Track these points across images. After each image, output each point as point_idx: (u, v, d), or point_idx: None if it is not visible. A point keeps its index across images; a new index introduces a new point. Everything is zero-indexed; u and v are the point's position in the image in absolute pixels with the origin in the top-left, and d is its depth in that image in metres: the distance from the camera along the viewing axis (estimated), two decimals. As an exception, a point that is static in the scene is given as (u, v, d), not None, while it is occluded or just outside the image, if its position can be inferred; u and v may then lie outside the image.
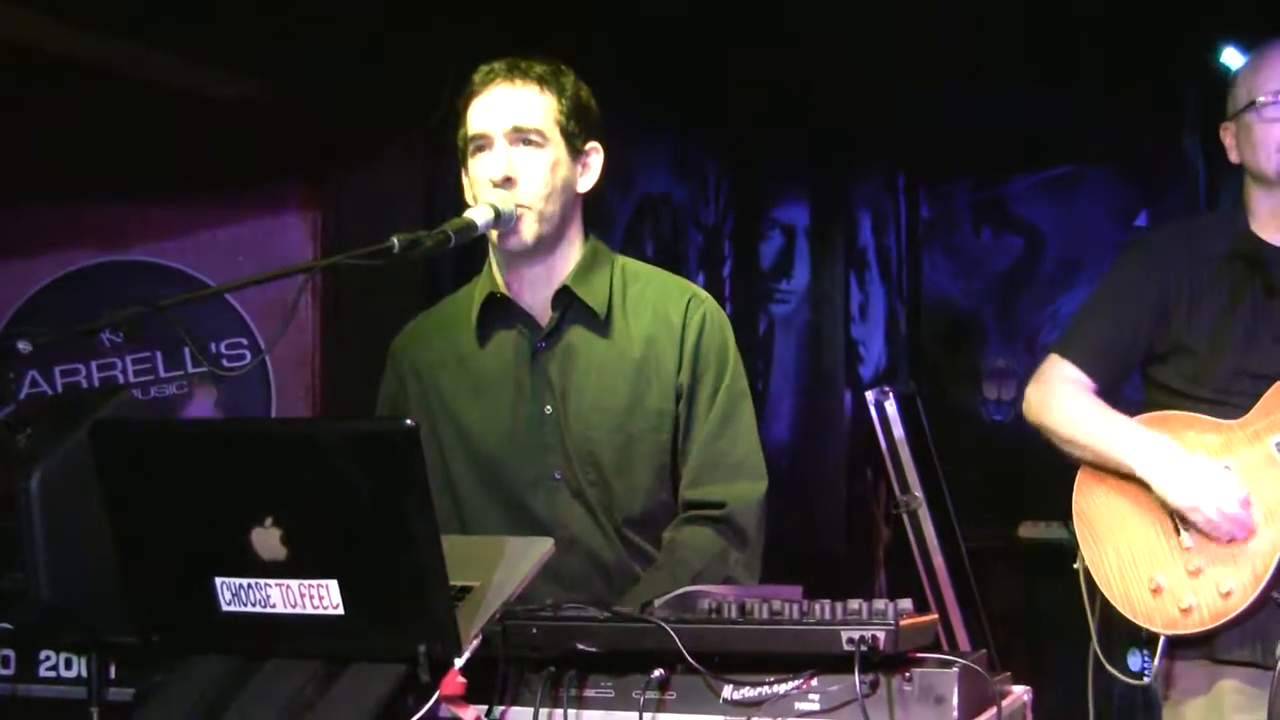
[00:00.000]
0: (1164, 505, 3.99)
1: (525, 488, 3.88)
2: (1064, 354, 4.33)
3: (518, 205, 3.73)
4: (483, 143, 3.80)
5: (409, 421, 2.89)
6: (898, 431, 6.69)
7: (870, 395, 6.80)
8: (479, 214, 3.62)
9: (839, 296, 8.64)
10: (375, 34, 5.94)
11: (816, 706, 2.95)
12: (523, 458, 3.89)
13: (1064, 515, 7.26)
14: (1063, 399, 4.28)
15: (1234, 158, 4.21)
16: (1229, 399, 3.94)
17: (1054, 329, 8.55)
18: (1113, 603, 4.03)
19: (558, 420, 3.87)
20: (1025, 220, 8.87)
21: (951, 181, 8.95)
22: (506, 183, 3.73)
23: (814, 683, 2.96)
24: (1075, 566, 4.14)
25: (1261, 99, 4.07)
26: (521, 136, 3.79)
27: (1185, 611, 3.90)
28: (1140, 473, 4.01)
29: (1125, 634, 4.08)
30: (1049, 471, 7.35)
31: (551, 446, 3.88)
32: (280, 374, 6.35)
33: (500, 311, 3.94)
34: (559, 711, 3.06)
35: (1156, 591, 3.96)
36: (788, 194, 8.66)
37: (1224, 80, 7.78)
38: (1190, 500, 3.93)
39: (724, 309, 4.06)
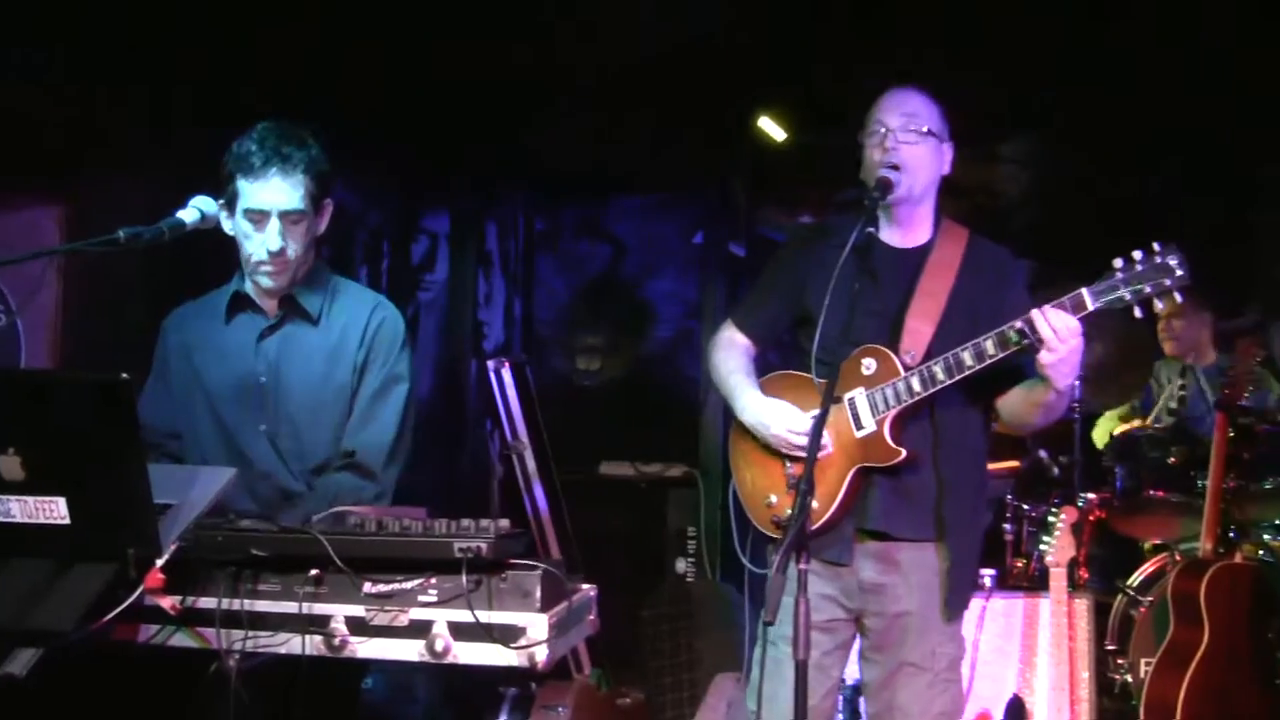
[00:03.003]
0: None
1: (242, 435, 4.05)
2: (732, 318, 4.38)
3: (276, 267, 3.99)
4: (258, 218, 3.96)
5: (124, 375, 2.90)
6: (510, 392, 6.72)
7: (490, 364, 6.82)
8: (188, 215, 3.74)
9: (470, 287, 8.64)
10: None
11: (434, 599, 3.03)
12: (241, 412, 4.07)
13: (632, 457, 7.52)
14: (723, 357, 4.32)
15: (864, 178, 4.14)
16: (834, 360, 3.84)
17: (630, 316, 8.71)
18: (749, 516, 4.11)
19: (268, 387, 4.05)
20: (613, 233, 8.96)
21: (559, 202, 9.01)
22: (280, 252, 3.97)
23: (433, 581, 3.04)
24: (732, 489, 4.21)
25: (870, 128, 4.10)
26: (289, 218, 3.97)
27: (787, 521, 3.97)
28: (738, 415, 4.14)
29: (761, 538, 4.12)
30: (622, 424, 7.56)
31: (261, 405, 4.05)
32: (29, 334, 6.19)
33: (244, 305, 4.15)
34: (237, 601, 3.10)
35: (770, 507, 4.06)
36: (433, 206, 8.66)
37: (756, 135, 8.05)
38: (756, 419, 4.08)
39: (382, 294, 4.30)
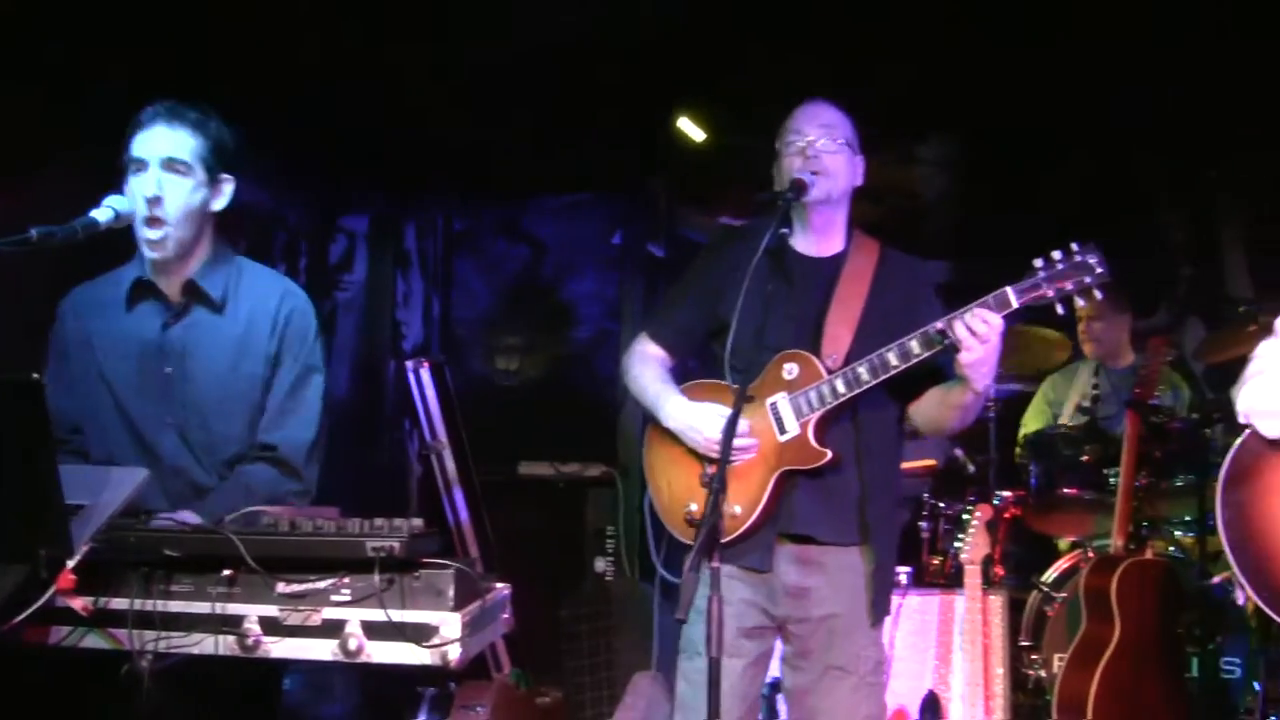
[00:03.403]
0: (694, 452, 4.08)
1: (149, 428, 3.93)
2: (646, 330, 4.37)
3: (152, 218, 3.83)
4: (138, 167, 3.85)
5: (34, 375, 2.89)
6: (429, 392, 6.72)
7: (409, 364, 6.82)
8: (102, 214, 3.69)
9: (388, 287, 8.63)
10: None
11: (348, 598, 3.04)
12: (148, 405, 3.93)
13: (551, 457, 7.53)
14: (635, 367, 4.31)
15: (777, 185, 4.19)
16: (750, 364, 3.92)
17: (550, 317, 8.73)
18: (666, 525, 4.11)
19: (174, 379, 3.93)
20: (532, 234, 8.96)
21: (478, 202, 8.99)
22: (155, 201, 3.82)
23: (346, 580, 3.04)
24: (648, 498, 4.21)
25: (787, 137, 4.15)
26: (171, 167, 3.85)
27: None
28: (665, 424, 4.13)
29: (677, 545, 4.11)
30: (541, 424, 7.56)
31: (168, 398, 3.93)
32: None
33: (145, 293, 4.00)
34: (150, 602, 3.09)
35: (689, 516, 4.05)
36: (353, 206, 8.64)
37: (676, 135, 8.08)
38: (686, 425, 4.07)
39: None
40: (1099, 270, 3.83)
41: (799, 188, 4.00)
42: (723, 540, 3.58)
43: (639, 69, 7.33)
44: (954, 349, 3.86)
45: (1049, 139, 8.08)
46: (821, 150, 4.10)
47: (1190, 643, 5.97)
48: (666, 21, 6.91)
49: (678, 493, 4.13)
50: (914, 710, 5.70)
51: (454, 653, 2.98)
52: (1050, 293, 3.84)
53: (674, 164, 8.54)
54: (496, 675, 6.19)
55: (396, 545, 2.96)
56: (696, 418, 4.05)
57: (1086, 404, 6.91)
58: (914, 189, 9.03)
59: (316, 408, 4.05)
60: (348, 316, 8.45)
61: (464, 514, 6.66)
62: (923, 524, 7.13)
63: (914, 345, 3.91)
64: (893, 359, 3.93)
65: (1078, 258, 3.84)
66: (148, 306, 4.02)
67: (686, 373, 4.35)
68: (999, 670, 5.70)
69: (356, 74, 7.02)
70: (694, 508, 4.05)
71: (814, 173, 4.05)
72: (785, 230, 3.95)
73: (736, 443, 3.90)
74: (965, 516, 5.79)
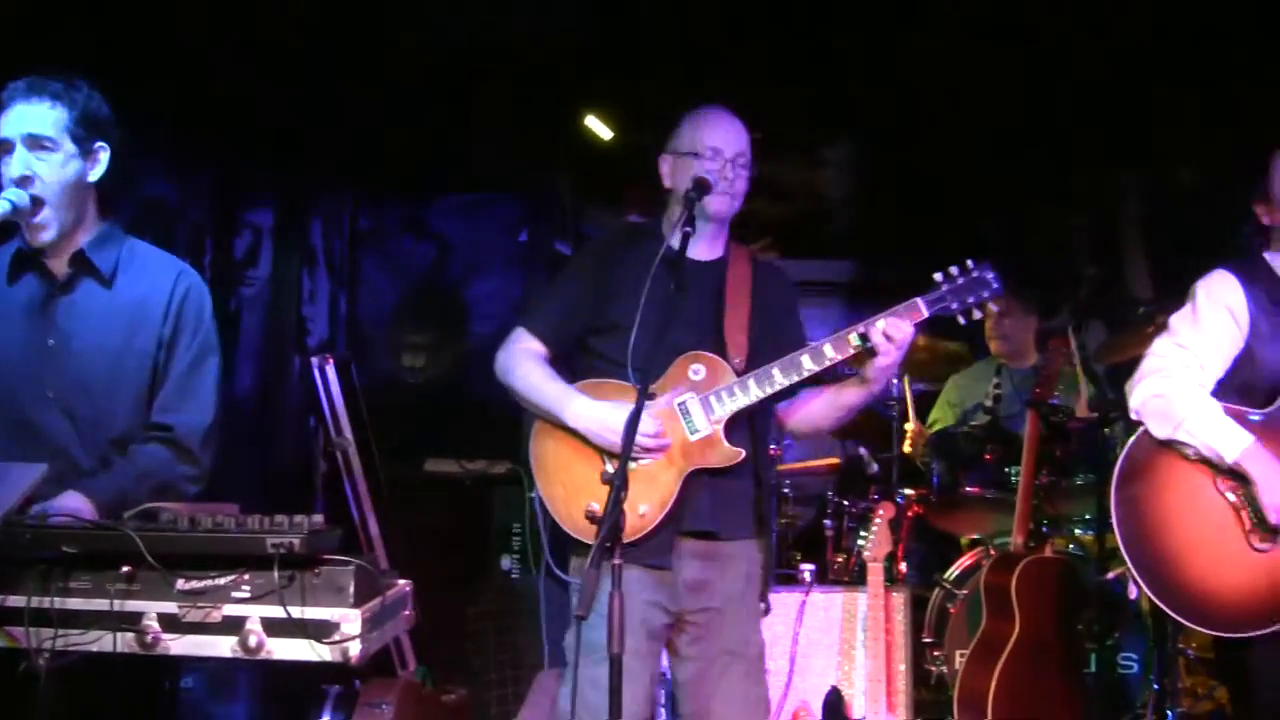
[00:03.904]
0: (599, 450, 4.07)
1: (30, 404, 3.83)
2: (523, 324, 4.32)
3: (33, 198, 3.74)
4: (3, 149, 3.77)
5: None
6: (334, 389, 6.69)
7: (314, 361, 6.79)
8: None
9: (294, 284, 8.56)
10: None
11: (248, 595, 3.04)
12: (27, 379, 3.83)
13: (457, 454, 7.52)
14: (522, 365, 4.25)
15: (668, 183, 4.29)
16: (653, 367, 3.98)
17: (456, 315, 8.71)
18: (560, 524, 4.08)
19: (57, 351, 3.83)
20: (438, 231, 8.94)
21: (385, 199, 8.96)
22: (24, 181, 3.74)
23: (246, 577, 3.04)
24: (530, 495, 4.19)
25: (696, 149, 4.18)
26: (37, 144, 3.77)
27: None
28: (569, 423, 4.09)
29: (572, 545, 4.11)
30: (447, 421, 7.55)
31: (51, 370, 3.83)
32: None
33: (29, 265, 3.91)
34: (47, 599, 3.07)
35: (591, 515, 4.02)
36: (258, 202, 8.56)
37: (582, 133, 8.10)
38: (596, 425, 4.04)
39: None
40: (994, 286, 4.06)
41: (703, 187, 4.07)
42: (627, 540, 3.63)
43: (546, 67, 7.35)
44: (869, 353, 4.00)
45: (954, 140, 8.17)
46: (736, 175, 4.21)
47: (1089, 639, 6.07)
48: (574, 21, 6.93)
49: (576, 491, 4.12)
50: (817, 706, 5.75)
51: (354, 649, 2.99)
52: (955, 305, 4.05)
53: (581, 162, 8.58)
54: (402, 673, 6.19)
55: (297, 542, 2.97)
56: (609, 418, 4.04)
57: (989, 403, 6.99)
58: (819, 189, 9.10)
59: (213, 390, 3.97)
60: (253, 312, 8.36)
61: (369, 511, 6.64)
62: (827, 522, 7.21)
63: (828, 349, 4.05)
64: (807, 361, 4.06)
65: (975, 273, 4.07)
66: (32, 278, 3.93)
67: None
68: (901, 667, 5.77)
69: (263, 67, 6.98)
70: (595, 506, 4.04)
71: (728, 193, 4.18)
72: (689, 229, 3.99)
73: (653, 442, 4.00)
74: (869, 514, 5.86)
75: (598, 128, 8.39)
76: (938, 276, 4.06)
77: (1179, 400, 4.23)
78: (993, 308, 4.06)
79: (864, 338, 4.00)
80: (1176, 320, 4.42)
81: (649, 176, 4.40)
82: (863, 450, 7.18)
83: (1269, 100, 6.50)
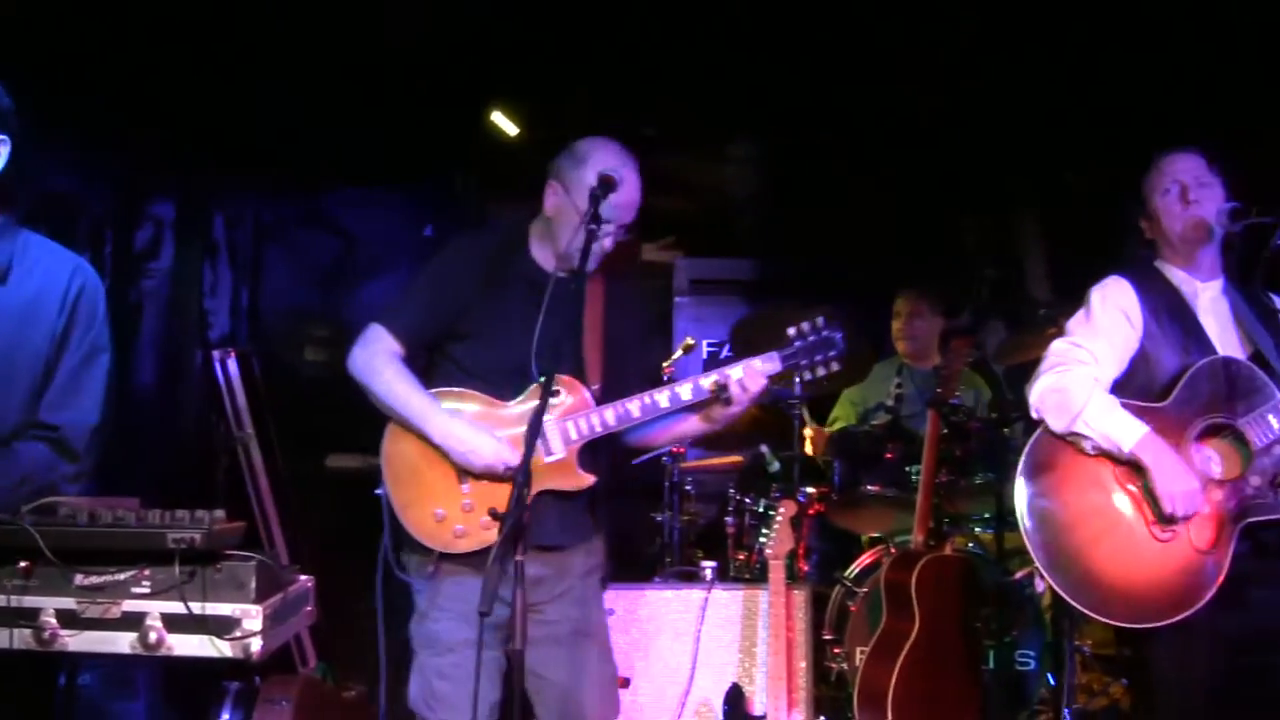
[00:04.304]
0: (453, 462, 4.08)
1: None
2: (385, 324, 4.28)
3: None
4: None
5: None
6: (236, 383, 6.65)
7: (216, 354, 6.75)
8: None
9: (195, 276, 8.50)
10: None
11: (148, 590, 3.02)
12: None
13: (362, 450, 7.46)
14: (385, 370, 4.20)
15: (552, 203, 4.25)
16: (504, 382, 4.10)
17: (360, 309, 8.67)
18: (406, 527, 4.09)
19: None
20: (343, 225, 8.91)
21: (288, 193, 8.91)
22: None
23: (146, 572, 3.02)
24: (377, 493, 4.18)
25: (610, 171, 4.13)
26: None
27: (459, 535, 4.05)
28: (433, 439, 4.07)
29: (412, 546, 4.13)
30: (350, 417, 7.53)
31: None
32: None
33: None
34: (-59, 595, 3.03)
35: (439, 520, 4.06)
36: (159, 194, 8.49)
37: (488, 128, 8.08)
38: (462, 446, 4.04)
39: (104, 283, 4.03)
40: (839, 348, 4.15)
41: (608, 184, 4.08)
42: (474, 549, 3.99)
43: (452, 63, 7.34)
44: (724, 399, 4.12)
45: (859, 140, 8.24)
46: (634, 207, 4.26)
47: (987, 636, 6.15)
48: (480, 16, 6.93)
49: (425, 495, 4.12)
50: (717, 703, 5.78)
51: (255, 645, 2.98)
52: (804, 362, 4.15)
53: (487, 157, 8.57)
54: (302, 669, 6.16)
55: (198, 537, 2.95)
56: (474, 441, 4.06)
57: (890, 403, 7.06)
58: (724, 187, 9.14)
59: (102, 390, 3.88)
60: (153, 305, 8.28)
61: (270, 506, 6.60)
62: (728, 519, 7.24)
63: (684, 392, 4.14)
64: (663, 401, 4.13)
65: (824, 332, 4.15)
66: None
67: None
68: (802, 663, 5.80)
69: (167, 60, 6.92)
70: (442, 512, 4.08)
71: (623, 225, 4.21)
72: (594, 227, 4.02)
73: (505, 472, 4.02)
74: (770, 512, 5.90)
75: (504, 123, 8.39)
76: (791, 331, 4.14)
77: (1076, 392, 4.31)
78: (835, 365, 4.13)
79: (721, 387, 4.10)
80: (1073, 323, 4.52)
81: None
82: (764, 448, 7.21)
83: (1158, 106, 6.63)
